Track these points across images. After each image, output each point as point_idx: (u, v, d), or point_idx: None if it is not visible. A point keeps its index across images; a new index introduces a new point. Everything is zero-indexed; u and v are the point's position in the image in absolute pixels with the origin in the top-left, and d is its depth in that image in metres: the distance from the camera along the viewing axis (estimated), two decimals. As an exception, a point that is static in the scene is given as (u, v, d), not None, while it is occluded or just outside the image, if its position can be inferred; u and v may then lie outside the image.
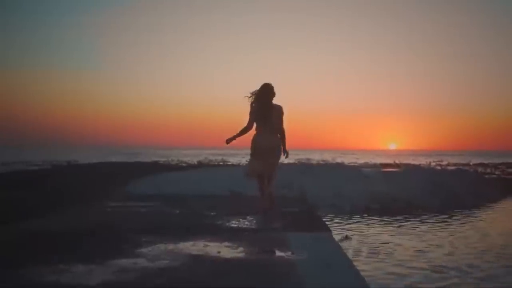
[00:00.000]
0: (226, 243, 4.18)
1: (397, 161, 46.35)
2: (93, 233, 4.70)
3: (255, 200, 7.59)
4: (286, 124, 6.13)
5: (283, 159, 6.28)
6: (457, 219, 7.56)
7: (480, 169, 31.28)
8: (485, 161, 50.62)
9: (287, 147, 6.11)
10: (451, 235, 6.30)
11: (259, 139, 6.00)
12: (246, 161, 6.73)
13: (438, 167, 19.73)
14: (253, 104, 5.99)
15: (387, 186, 8.96)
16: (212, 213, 6.14)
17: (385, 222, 7.04)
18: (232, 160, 46.87)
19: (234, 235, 4.55)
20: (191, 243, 4.21)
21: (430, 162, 47.38)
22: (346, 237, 5.50)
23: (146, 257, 3.62)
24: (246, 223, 5.44)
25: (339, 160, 48.58)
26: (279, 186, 8.84)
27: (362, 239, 5.66)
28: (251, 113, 6.00)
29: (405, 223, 6.95)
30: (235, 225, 5.22)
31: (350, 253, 4.86)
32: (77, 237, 4.47)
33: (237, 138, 6.03)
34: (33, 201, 7.24)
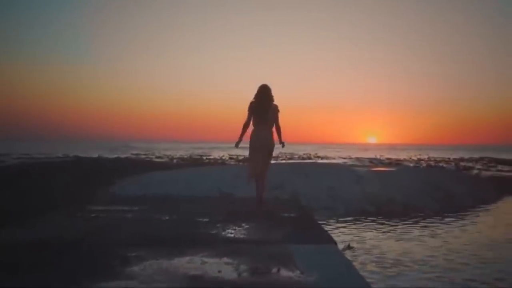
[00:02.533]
0: (226, 259, 3.80)
1: (379, 156, 46.67)
2: (74, 246, 4.26)
3: (246, 202, 7.28)
4: (281, 120, 6.77)
5: (280, 149, 7.03)
6: (457, 222, 7.30)
7: (463, 164, 31.66)
8: (465, 156, 51.43)
9: (283, 139, 6.82)
10: (456, 238, 6.02)
11: (256, 136, 6.66)
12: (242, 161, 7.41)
13: (433, 166, 19.50)
14: (252, 102, 6.67)
15: (382, 186, 8.63)
16: (204, 219, 5.75)
17: (385, 226, 6.73)
18: (215, 155, 46.63)
19: (233, 249, 4.17)
20: (187, 259, 3.82)
21: (411, 157, 47.90)
22: (349, 247, 5.16)
23: (138, 279, 3.22)
24: (243, 232, 5.06)
25: (321, 154, 48.79)
26: (271, 187, 8.51)
27: (366, 248, 5.33)
28: (249, 109, 6.68)
29: (406, 228, 6.66)
30: (232, 235, 4.83)
31: (358, 267, 4.52)
32: (55, 252, 4.01)
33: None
34: None
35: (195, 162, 29.37)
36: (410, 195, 8.31)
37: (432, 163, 31.55)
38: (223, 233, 4.95)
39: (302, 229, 5.21)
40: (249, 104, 6.69)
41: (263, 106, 6.61)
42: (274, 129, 6.75)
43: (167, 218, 5.85)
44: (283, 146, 6.89)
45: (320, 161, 33.52)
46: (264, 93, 6.65)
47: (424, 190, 8.68)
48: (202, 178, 9.07)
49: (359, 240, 5.74)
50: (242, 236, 4.82)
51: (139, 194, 7.96)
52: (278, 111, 6.73)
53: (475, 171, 25.11)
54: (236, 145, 6.76)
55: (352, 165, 14.35)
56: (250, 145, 6.72)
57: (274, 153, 7.14)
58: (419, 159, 42.38)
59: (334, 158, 38.26)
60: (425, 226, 6.80)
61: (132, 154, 44.16)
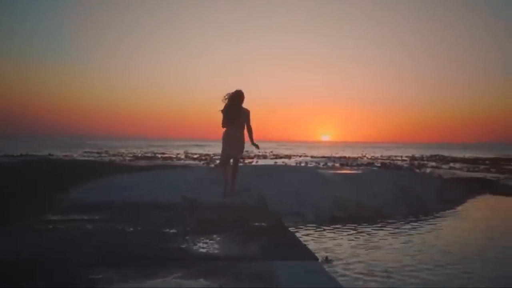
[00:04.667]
0: (203, 281, 3.51)
1: (335, 154, 47.32)
2: (29, 269, 3.82)
3: (212, 208, 7.00)
4: (253, 123, 7.58)
5: (253, 150, 9.43)
6: (428, 227, 7.29)
7: (416, 162, 32.52)
8: (417, 154, 53.00)
9: (254, 141, 7.71)
10: (433, 246, 5.96)
11: (228, 135, 7.53)
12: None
13: (389, 165, 19.81)
14: (226, 105, 7.44)
15: (350, 190, 8.50)
16: (172, 230, 5.41)
17: (357, 233, 6.58)
18: (171, 152, 45.87)
19: (209, 268, 3.87)
20: (160, 281, 3.50)
21: (365, 155, 48.87)
22: (327, 260, 4.96)
23: (109, 310, 2.88)
24: (216, 246, 4.76)
25: (276, 152, 48.91)
26: (238, 190, 8.24)
27: (343, 259, 5.13)
28: (223, 112, 7.43)
29: (380, 234, 6.52)
30: (205, 250, 4.53)
31: (340, 281, 4.32)
32: (5, 278, 3.57)
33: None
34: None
35: (151, 161, 28.73)
36: (378, 199, 8.24)
37: (388, 162, 32.22)
38: (195, 247, 4.64)
39: (279, 242, 4.97)
40: (223, 107, 7.44)
41: (234, 110, 7.39)
42: (245, 130, 7.56)
43: (131, 229, 5.45)
44: (256, 147, 7.84)
45: (278, 161, 33.55)
46: (236, 98, 7.43)
47: (392, 194, 8.64)
48: (164, 183, 8.66)
49: (334, 250, 5.55)
50: (216, 251, 4.52)
51: (98, 201, 7.47)
52: (249, 115, 7.52)
53: (428, 169, 25.86)
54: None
55: (317, 167, 14.28)
56: (222, 143, 7.62)
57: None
58: (373, 157, 43.37)
59: (290, 158, 38.43)
60: (398, 232, 6.71)
61: (85, 152, 42.80)
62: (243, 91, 7.48)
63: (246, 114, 7.50)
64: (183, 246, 4.65)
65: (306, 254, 4.42)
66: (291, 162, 31.50)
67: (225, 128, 7.57)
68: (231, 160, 7.82)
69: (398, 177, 10.28)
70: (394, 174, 11.20)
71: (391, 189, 8.83)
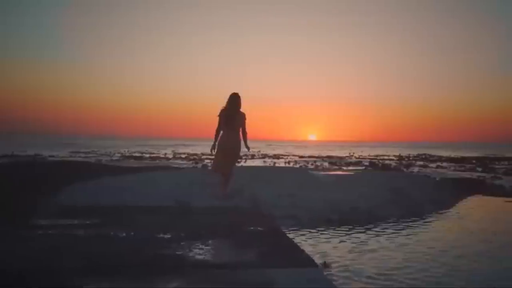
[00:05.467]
0: (203, 291, 3.38)
1: (322, 154, 47.40)
2: (19, 276, 3.67)
3: (206, 212, 6.88)
4: (248, 127, 7.75)
5: (246, 152, 8.03)
6: (423, 229, 7.24)
7: (404, 162, 32.69)
8: (403, 153, 53.36)
9: (248, 144, 7.78)
10: (430, 248, 5.91)
11: (224, 138, 7.62)
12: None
13: (376, 164, 19.82)
14: (223, 109, 7.58)
15: (343, 193, 8.42)
16: (166, 236, 5.27)
17: (353, 237, 6.48)
18: (159, 152, 45.53)
19: (206, 276, 3.75)
20: (156, 292, 3.36)
21: (352, 154, 49.06)
22: (325, 265, 4.86)
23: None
24: (212, 252, 4.64)
25: (263, 152, 48.84)
26: (230, 193, 8.10)
27: (341, 264, 5.03)
28: (219, 116, 7.57)
29: (376, 238, 6.43)
30: (201, 257, 4.40)
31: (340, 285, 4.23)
32: None
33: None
34: None
35: (139, 161, 28.45)
36: (372, 202, 8.16)
37: (376, 161, 32.32)
38: (191, 254, 4.50)
39: (276, 247, 4.86)
40: (220, 111, 7.58)
41: (231, 114, 7.53)
42: (241, 133, 7.69)
43: (124, 235, 5.29)
44: (248, 149, 7.88)
45: (267, 160, 33.48)
46: (233, 101, 7.58)
47: (385, 195, 8.58)
48: (155, 185, 8.50)
49: (331, 254, 5.45)
50: (212, 258, 4.39)
51: (88, 204, 7.29)
52: (245, 118, 7.67)
53: (416, 169, 25.98)
54: (211, 149, 7.68)
55: (310, 168, 14.22)
56: (218, 146, 7.65)
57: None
58: (361, 157, 43.55)
59: (278, 158, 38.39)
60: (394, 235, 6.64)
61: (71, 152, 42.30)
62: (229, 90, 7.59)
63: (242, 117, 7.64)
64: (179, 253, 4.51)
65: (305, 261, 4.32)
66: (280, 162, 31.47)
67: (221, 131, 7.65)
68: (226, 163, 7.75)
69: (390, 178, 10.23)
70: (387, 176, 11.17)
71: (384, 191, 8.77)
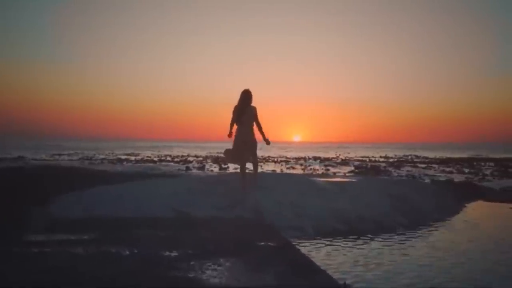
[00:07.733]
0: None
1: (309, 155, 47.20)
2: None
3: (207, 225, 6.54)
4: (262, 120, 8.28)
5: (264, 146, 8.61)
6: (435, 238, 6.99)
7: (394, 163, 32.61)
8: (390, 154, 53.51)
9: (266, 136, 8.34)
10: (451, 264, 5.61)
11: (236, 133, 8.21)
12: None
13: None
14: (236, 106, 8.15)
15: (348, 201, 8.11)
16: (173, 254, 4.91)
17: (365, 249, 6.17)
18: (143, 154, 44.86)
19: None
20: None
21: (339, 156, 49.00)
22: (345, 285, 4.54)
23: None
24: (227, 274, 4.29)
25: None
26: (230, 205, 7.76)
27: (360, 280, 4.73)
28: (233, 112, 8.14)
29: (388, 250, 6.11)
30: (216, 280, 4.05)
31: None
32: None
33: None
34: None
35: (124, 165, 27.81)
36: (377, 210, 7.90)
37: (365, 164, 32.20)
38: (204, 276, 4.15)
39: (293, 266, 4.54)
40: (234, 107, 8.17)
41: (241, 108, 8.09)
42: (255, 127, 8.23)
43: (127, 253, 4.91)
44: (267, 143, 8.29)
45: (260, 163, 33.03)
46: (243, 97, 8.18)
47: (389, 204, 8.32)
48: (152, 195, 8.10)
49: (347, 270, 5.13)
50: (229, 281, 4.04)
51: (83, 217, 6.88)
52: (256, 112, 8.19)
53: (405, 170, 25.89)
54: (229, 135, 8.23)
55: (308, 174, 13.90)
56: (234, 140, 8.23)
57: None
58: (348, 158, 43.44)
59: (268, 159, 38.08)
60: (407, 245, 6.36)
61: (54, 154, 41.41)
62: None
63: (252, 111, 8.16)
64: (190, 275, 4.16)
65: (327, 282, 4.01)
66: (270, 164, 31.14)
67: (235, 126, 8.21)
68: (247, 155, 8.30)
69: (390, 184, 10.01)
70: (387, 182, 10.96)
71: (387, 198, 8.55)
